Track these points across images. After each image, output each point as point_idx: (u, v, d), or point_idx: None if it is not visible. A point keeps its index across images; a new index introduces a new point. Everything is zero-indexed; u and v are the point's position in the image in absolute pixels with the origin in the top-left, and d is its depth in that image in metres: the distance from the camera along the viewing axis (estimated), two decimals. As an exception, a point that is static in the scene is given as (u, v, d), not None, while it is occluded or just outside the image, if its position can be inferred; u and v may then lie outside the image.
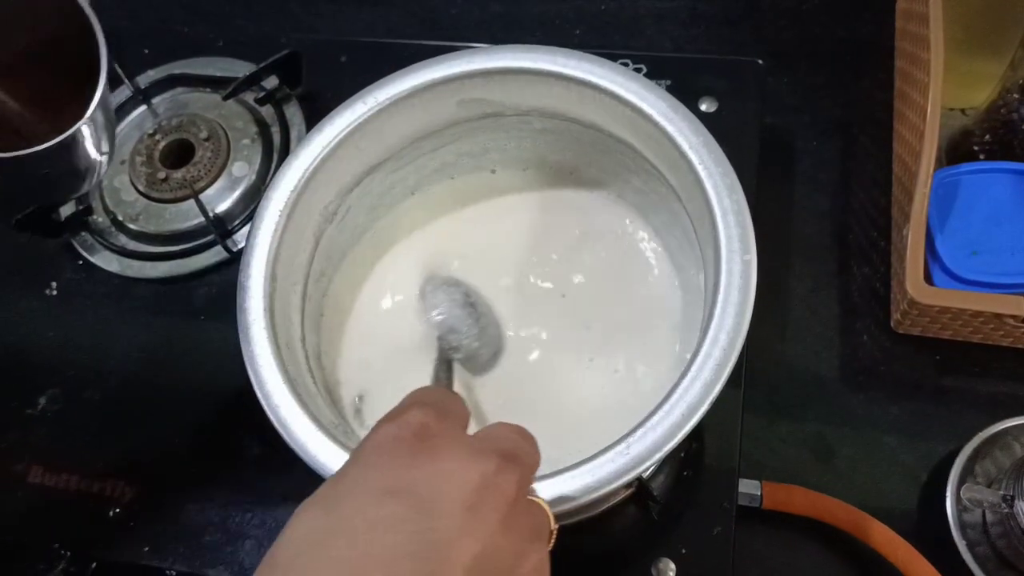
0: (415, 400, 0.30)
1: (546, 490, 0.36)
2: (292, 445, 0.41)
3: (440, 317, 0.51)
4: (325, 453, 0.40)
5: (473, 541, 0.26)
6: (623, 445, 0.37)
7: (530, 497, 0.31)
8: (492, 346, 0.52)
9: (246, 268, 0.45)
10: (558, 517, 0.33)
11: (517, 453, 0.29)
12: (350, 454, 0.29)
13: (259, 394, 0.42)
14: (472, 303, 0.52)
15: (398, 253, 0.56)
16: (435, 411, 0.29)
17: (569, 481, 0.36)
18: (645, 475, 0.51)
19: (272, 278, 0.45)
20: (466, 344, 0.50)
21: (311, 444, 0.41)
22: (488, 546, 0.26)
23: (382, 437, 0.28)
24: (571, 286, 0.54)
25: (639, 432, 0.37)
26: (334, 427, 0.43)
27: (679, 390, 0.38)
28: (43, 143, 0.42)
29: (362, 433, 0.49)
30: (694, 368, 0.38)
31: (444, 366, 0.49)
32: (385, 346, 0.53)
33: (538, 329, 0.53)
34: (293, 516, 0.27)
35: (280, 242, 0.46)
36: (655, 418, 0.37)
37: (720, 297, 0.40)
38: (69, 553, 0.58)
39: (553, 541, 0.31)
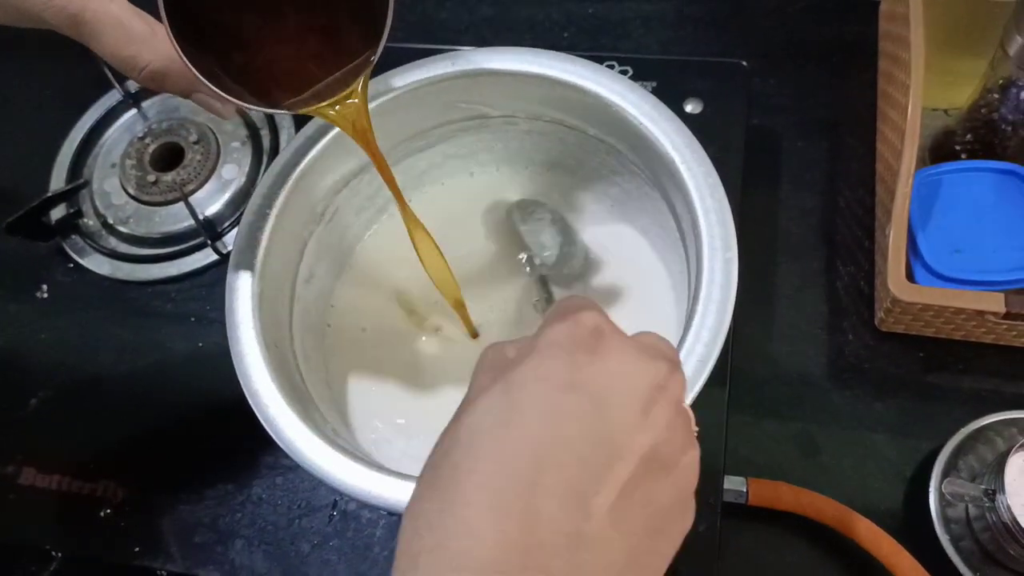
0: (582, 304, 0.31)
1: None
2: (281, 443, 0.41)
3: (530, 234, 0.53)
4: (314, 451, 0.41)
5: (646, 437, 0.28)
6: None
7: (684, 404, 0.32)
8: (578, 257, 0.53)
9: (235, 270, 0.46)
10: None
11: (676, 361, 0.31)
12: (521, 347, 0.30)
13: (247, 393, 0.43)
14: (557, 220, 0.53)
15: (385, 251, 0.57)
16: (603, 315, 0.30)
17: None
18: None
19: (261, 279, 0.46)
20: (556, 257, 0.52)
21: (299, 442, 0.41)
22: (658, 442, 0.28)
23: (558, 334, 0.29)
24: (556, 281, 0.54)
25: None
26: (323, 425, 0.44)
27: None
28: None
29: (353, 431, 0.49)
30: (677, 364, 0.39)
31: (541, 283, 0.52)
32: (377, 341, 0.54)
33: (525, 329, 0.54)
34: (466, 403, 0.29)
35: (269, 243, 0.47)
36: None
37: (702, 294, 0.40)
38: (60, 554, 0.59)
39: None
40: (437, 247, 0.47)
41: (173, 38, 0.35)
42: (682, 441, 0.29)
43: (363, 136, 0.42)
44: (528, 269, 0.53)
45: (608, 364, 0.29)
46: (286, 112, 0.43)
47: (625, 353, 0.29)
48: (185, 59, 0.35)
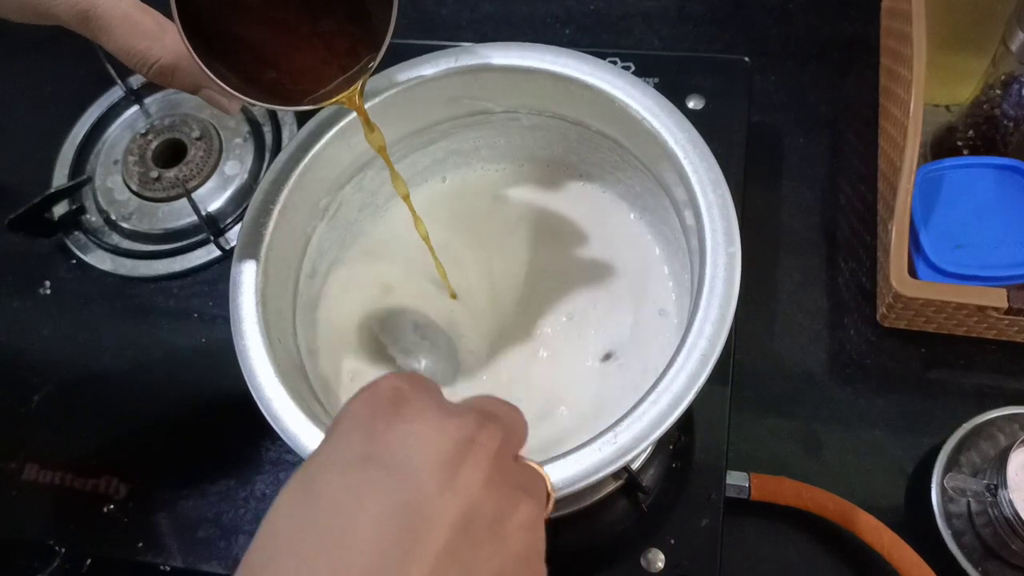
0: (388, 374, 0.29)
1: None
2: (284, 438, 0.41)
3: (395, 346, 0.52)
4: (317, 445, 0.41)
5: (454, 498, 0.25)
6: (610, 434, 0.37)
7: (523, 460, 0.31)
8: (448, 361, 0.53)
9: (238, 264, 0.46)
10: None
11: (497, 414, 0.29)
12: (326, 429, 0.29)
13: (251, 388, 0.42)
14: (420, 325, 0.53)
15: (388, 247, 0.57)
16: (409, 379, 0.29)
17: (558, 469, 0.37)
18: (634, 467, 0.52)
19: (264, 274, 0.46)
20: (424, 365, 0.52)
21: (303, 437, 0.41)
22: (472, 502, 0.26)
23: (356, 406, 0.28)
24: (562, 278, 0.55)
25: (626, 422, 0.38)
26: (327, 420, 0.44)
27: (665, 380, 0.38)
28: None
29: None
30: (680, 359, 0.39)
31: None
32: (378, 336, 0.54)
33: (528, 321, 0.54)
34: (275, 499, 0.27)
35: (272, 239, 0.47)
36: (641, 408, 0.38)
37: (705, 289, 0.40)
38: (64, 550, 0.59)
39: (551, 506, 0.31)
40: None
41: (185, 37, 0.35)
42: (505, 503, 0.27)
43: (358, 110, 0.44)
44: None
45: (410, 426, 0.27)
46: (289, 108, 0.43)
47: (427, 413, 0.27)
48: (195, 56, 0.36)
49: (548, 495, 0.31)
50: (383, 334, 0.53)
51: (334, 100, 0.42)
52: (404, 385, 0.28)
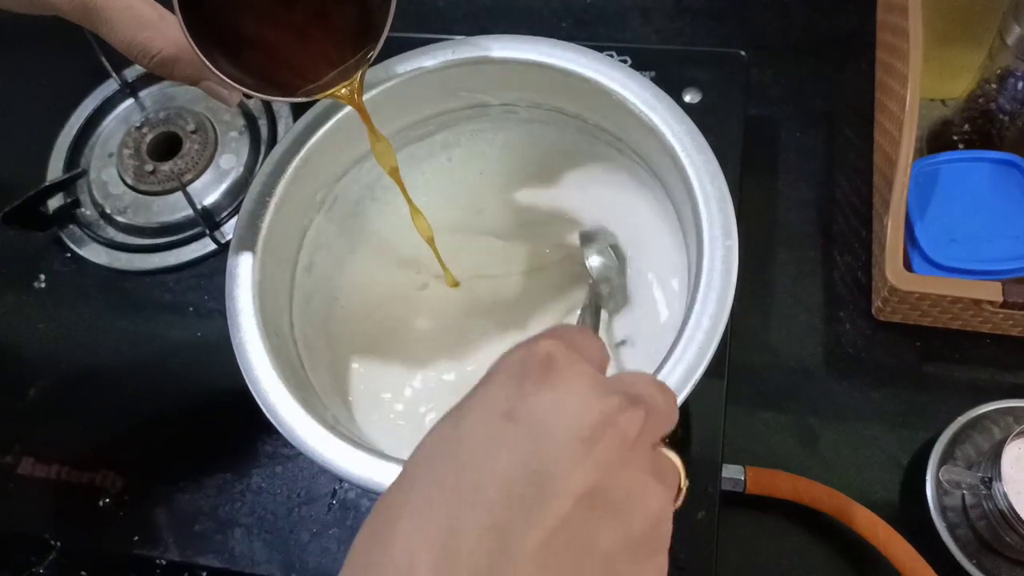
0: (550, 332, 0.30)
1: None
2: (281, 430, 0.41)
3: (598, 264, 0.52)
4: (314, 438, 0.41)
5: (584, 474, 0.26)
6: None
7: (661, 449, 0.30)
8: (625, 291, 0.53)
9: (235, 257, 0.46)
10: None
11: (645, 399, 0.29)
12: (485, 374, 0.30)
13: (248, 381, 0.43)
14: (619, 254, 0.53)
15: (384, 239, 0.57)
16: (565, 344, 0.29)
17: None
18: (631, 460, 0.52)
19: (262, 267, 0.46)
20: (615, 289, 0.52)
21: (301, 429, 0.41)
22: (601, 479, 0.26)
23: (510, 362, 0.29)
24: (559, 269, 0.55)
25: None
26: (324, 413, 0.44)
27: (662, 372, 0.38)
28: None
29: (354, 419, 0.49)
30: (677, 350, 0.39)
31: (592, 310, 0.50)
32: (377, 330, 0.54)
33: (526, 312, 0.54)
34: (432, 427, 0.29)
35: (269, 231, 0.47)
36: (639, 400, 0.38)
37: (703, 281, 0.40)
38: (59, 543, 0.59)
39: (684, 498, 0.31)
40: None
41: (186, 29, 0.35)
42: (637, 482, 0.27)
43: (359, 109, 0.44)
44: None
45: (554, 395, 0.27)
46: (288, 100, 0.44)
47: (575, 384, 0.28)
48: (195, 48, 0.36)
49: (680, 488, 0.31)
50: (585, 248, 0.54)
51: (332, 91, 0.42)
52: (558, 351, 0.28)
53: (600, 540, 0.26)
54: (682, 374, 0.38)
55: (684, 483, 0.31)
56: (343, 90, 0.42)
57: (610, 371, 0.31)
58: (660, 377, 0.39)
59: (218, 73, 0.37)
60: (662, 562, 0.28)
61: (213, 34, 0.38)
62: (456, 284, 0.55)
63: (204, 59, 0.36)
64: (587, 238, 0.54)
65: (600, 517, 0.26)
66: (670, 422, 0.31)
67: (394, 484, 0.27)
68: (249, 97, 0.39)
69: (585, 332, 0.32)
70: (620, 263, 0.53)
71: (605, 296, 0.53)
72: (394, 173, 0.47)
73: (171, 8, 0.36)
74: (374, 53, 0.41)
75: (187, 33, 0.35)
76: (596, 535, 0.26)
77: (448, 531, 0.25)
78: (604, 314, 0.53)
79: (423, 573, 0.24)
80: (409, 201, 0.49)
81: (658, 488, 0.28)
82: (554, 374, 0.28)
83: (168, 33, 0.39)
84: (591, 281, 0.52)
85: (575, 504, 0.25)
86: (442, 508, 0.25)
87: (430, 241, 0.51)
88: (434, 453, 0.27)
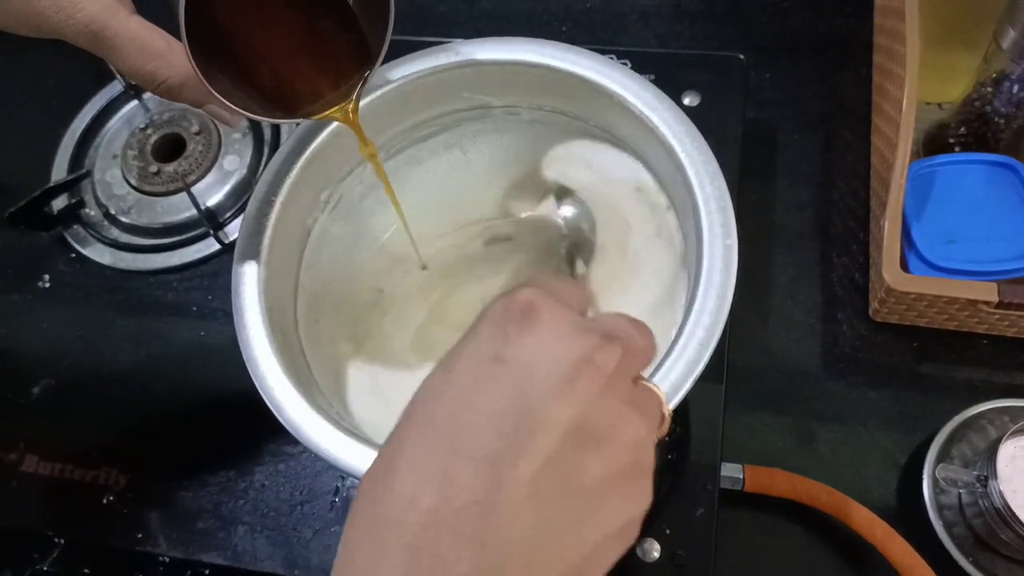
0: (529, 281, 0.32)
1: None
2: (287, 426, 0.42)
3: (570, 216, 0.54)
4: (320, 434, 0.41)
5: (567, 407, 0.28)
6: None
7: (642, 382, 0.32)
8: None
9: (241, 254, 0.46)
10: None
11: (621, 336, 0.31)
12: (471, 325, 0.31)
13: (254, 376, 0.43)
14: (590, 205, 0.55)
15: (386, 239, 0.57)
16: (544, 290, 0.31)
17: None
18: (631, 457, 0.52)
19: (267, 265, 0.46)
20: (587, 238, 0.53)
21: (306, 426, 0.41)
22: (583, 412, 0.28)
23: (493, 311, 0.30)
24: (564, 266, 0.55)
25: (624, 409, 0.38)
26: (328, 409, 0.44)
27: (663, 369, 0.39)
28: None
29: (355, 416, 0.50)
30: (678, 347, 0.39)
31: (567, 258, 0.53)
32: (379, 328, 0.54)
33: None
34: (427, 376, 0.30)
35: (274, 230, 0.47)
36: (640, 396, 0.38)
37: (703, 280, 0.41)
38: (63, 541, 0.59)
39: (666, 426, 0.33)
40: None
41: (192, 58, 0.36)
42: (618, 413, 0.29)
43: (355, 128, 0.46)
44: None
45: (537, 337, 0.29)
46: (288, 121, 0.46)
47: (555, 327, 0.29)
48: (202, 77, 0.37)
49: (663, 416, 0.33)
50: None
51: (328, 113, 0.44)
52: (537, 297, 0.30)
53: (585, 468, 0.28)
54: (683, 370, 0.39)
55: (667, 411, 0.33)
56: (338, 113, 0.44)
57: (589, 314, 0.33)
58: (660, 375, 0.39)
59: (222, 99, 0.38)
60: (645, 486, 0.30)
61: (217, 61, 0.39)
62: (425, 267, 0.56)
63: (210, 88, 0.37)
64: (561, 193, 0.55)
65: (584, 447, 0.28)
66: (647, 356, 0.33)
67: (393, 432, 0.29)
68: (257, 119, 0.41)
69: (562, 278, 0.33)
70: (589, 217, 0.54)
71: (580, 245, 0.54)
72: (373, 159, 0.48)
73: (176, 34, 0.37)
74: (371, 75, 0.43)
75: (194, 65, 0.36)
76: (582, 463, 0.28)
77: (446, 465, 0.27)
78: (580, 264, 0.54)
79: (426, 502, 0.26)
80: (389, 189, 0.50)
81: (637, 418, 0.30)
82: (534, 319, 0.29)
83: (175, 62, 0.40)
84: (564, 232, 0.53)
85: (562, 437, 0.27)
86: (439, 444, 0.27)
87: (398, 210, 0.52)
88: (428, 397, 0.29)
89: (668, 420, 0.33)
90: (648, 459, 0.30)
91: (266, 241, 0.47)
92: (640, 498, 0.29)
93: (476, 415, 0.27)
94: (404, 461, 0.27)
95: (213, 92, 0.37)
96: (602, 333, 0.30)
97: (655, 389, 0.33)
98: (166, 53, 0.40)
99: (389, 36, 0.41)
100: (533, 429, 0.27)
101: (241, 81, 0.41)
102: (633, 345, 0.31)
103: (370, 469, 0.28)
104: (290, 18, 0.43)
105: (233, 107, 0.39)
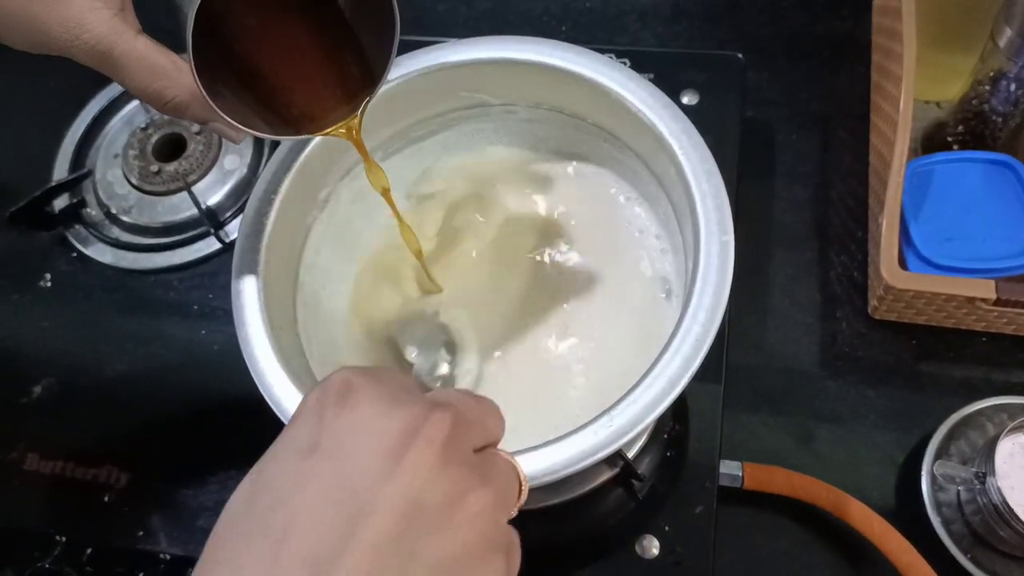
0: (342, 368, 0.30)
1: (532, 462, 0.37)
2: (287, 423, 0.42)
3: (416, 360, 0.53)
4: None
5: (396, 485, 0.25)
6: (606, 418, 0.38)
7: (490, 451, 0.30)
8: (467, 360, 0.53)
9: (241, 252, 0.46)
10: (530, 488, 0.31)
11: (452, 403, 0.29)
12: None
13: (254, 374, 0.43)
14: (447, 344, 0.53)
15: (385, 237, 0.57)
16: (359, 371, 0.29)
17: (554, 453, 0.38)
18: (630, 455, 0.52)
19: (267, 263, 0.46)
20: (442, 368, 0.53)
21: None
22: (416, 490, 0.26)
23: (308, 399, 0.29)
24: (560, 268, 0.55)
25: (621, 405, 0.38)
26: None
27: (660, 364, 0.39)
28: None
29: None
30: (674, 344, 0.39)
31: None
32: (379, 326, 0.54)
33: (522, 311, 0.54)
34: (233, 493, 0.28)
35: (274, 228, 0.47)
36: (637, 392, 0.39)
37: (699, 277, 0.41)
38: (64, 539, 0.59)
39: (523, 498, 0.31)
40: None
41: (197, 78, 0.37)
42: (457, 486, 0.27)
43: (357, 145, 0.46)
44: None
45: (355, 413, 0.27)
46: (290, 139, 0.47)
47: (373, 402, 0.27)
48: (207, 96, 0.37)
49: (519, 484, 0.30)
50: (400, 336, 0.54)
51: (333, 130, 0.43)
52: (355, 377, 0.28)
53: (426, 548, 0.25)
54: (680, 365, 0.39)
55: (523, 479, 0.30)
56: (342, 130, 0.44)
57: None
58: (655, 372, 0.39)
59: (227, 118, 0.38)
60: (499, 565, 0.27)
61: (222, 78, 0.39)
62: (440, 290, 0.56)
63: (216, 107, 0.38)
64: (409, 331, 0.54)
65: (423, 528, 0.26)
66: (489, 428, 0.30)
67: (204, 553, 0.26)
68: (260, 136, 0.41)
69: (387, 368, 0.31)
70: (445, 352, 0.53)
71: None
72: (386, 194, 0.48)
73: (180, 46, 0.37)
74: (374, 95, 0.43)
75: (200, 87, 0.37)
76: (421, 544, 0.25)
77: (268, 573, 0.24)
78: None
79: None
80: (398, 217, 0.49)
81: (481, 489, 0.27)
82: (351, 396, 0.27)
83: (181, 81, 0.40)
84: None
85: (393, 519, 0.25)
86: (258, 557, 0.25)
87: (418, 255, 0.51)
88: (239, 506, 0.27)
89: (526, 490, 0.31)
90: (499, 533, 0.28)
91: (265, 240, 0.47)
92: (498, 572, 0.27)
93: (294, 513, 0.25)
94: None
95: (218, 111, 0.38)
96: (428, 402, 0.28)
97: (508, 457, 0.30)
98: (172, 72, 0.40)
99: (394, 56, 0.41)
100: (358, 517, 0.25)
101: (245, 98, 0.42)
102: (469, 412, 0.29)
103: None
104: (295, 38, 0.43)
105: (237, 125, 0.39)
